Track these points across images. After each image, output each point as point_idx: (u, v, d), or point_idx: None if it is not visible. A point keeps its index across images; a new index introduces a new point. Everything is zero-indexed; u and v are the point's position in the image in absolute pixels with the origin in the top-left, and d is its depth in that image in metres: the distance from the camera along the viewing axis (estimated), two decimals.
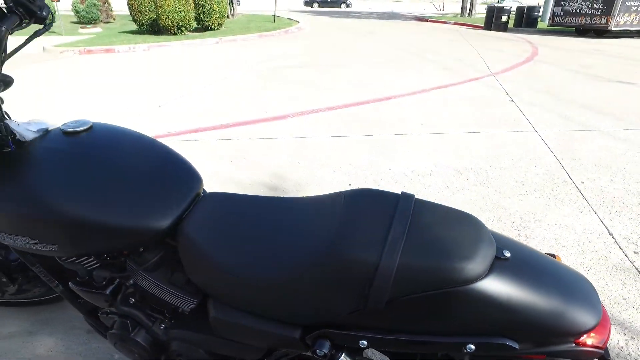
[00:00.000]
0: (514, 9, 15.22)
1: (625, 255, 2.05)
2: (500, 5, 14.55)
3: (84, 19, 16.56)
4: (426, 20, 19.86)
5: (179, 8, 11.52)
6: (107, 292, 1.02)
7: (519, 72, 6.61)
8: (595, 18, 11.86)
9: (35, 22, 1.08)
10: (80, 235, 0.91)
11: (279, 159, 3.24)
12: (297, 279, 0.82)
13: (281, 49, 9.59)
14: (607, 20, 11.51)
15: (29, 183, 0.93)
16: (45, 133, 1.08)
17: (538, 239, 2.19)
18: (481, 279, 0.74)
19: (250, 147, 3.49)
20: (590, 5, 11.96)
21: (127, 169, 1.00)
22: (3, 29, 1.00)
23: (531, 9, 15.37)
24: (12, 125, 1.03)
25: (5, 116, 1.06)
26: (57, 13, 15.73)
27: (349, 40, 11.40)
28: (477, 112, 4.42)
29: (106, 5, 17.55)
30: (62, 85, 6.03)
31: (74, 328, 1.65)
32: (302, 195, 2.55)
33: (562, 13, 12.94)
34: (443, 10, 31.37)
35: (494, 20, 14.42)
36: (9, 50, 1.06)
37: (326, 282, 0.79)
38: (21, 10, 1.04)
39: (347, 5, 33.03)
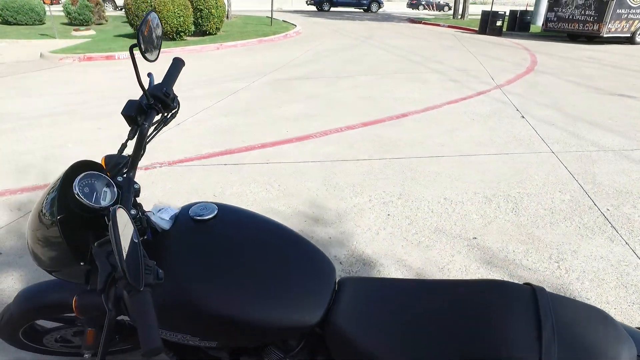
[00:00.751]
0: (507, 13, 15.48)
1: None
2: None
3: (76, 20, 16.30)
4: (420, 22, 20.03)
5: (178, 13, 11.46)
6: None
7: (524, 84, 6.79)
8: (587, 25, 12.15)
9: (166, 112, 1.16)
10: (239, 333, 0.98)
11: (312, 185, 3.33)
12: None
13: (284, 56, 9.63)
14: (599, 27, 11.80)
15: (182, 280, 0.99)
16: (175, 219, 1.14)
17: (578, 272, 2.32)
18: None
19: (280, 171, 3.56)
20: (582, 12, 12.25)
21: (268, 260, 1.07)
22: (146, 125, 1.07)
23: (524, 13, 15.67)
24: (150, 217, 1.10)
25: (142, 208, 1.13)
26: (47, 14, 15.52)
27: (349, 46, 11.48)
28: (492, 131, 4.55)
29: (98, 6, 17.30)
30: (76, 99, 6.00)
31: None
32: (345, 224, 2.64)
33: (555, 19, 13.21)
34: (434, 9, 31.60)
35: (488, 24, 14.65)
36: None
37: None
38: (159, 105, 1.11)
39: (450, 8, 33.63)
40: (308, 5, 28.38)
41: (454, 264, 2.40)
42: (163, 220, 1.10)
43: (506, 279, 2.26)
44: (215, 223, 1.12)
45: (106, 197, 0.99)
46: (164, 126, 1.17)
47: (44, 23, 16.80)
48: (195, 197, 3.17)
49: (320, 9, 26.74)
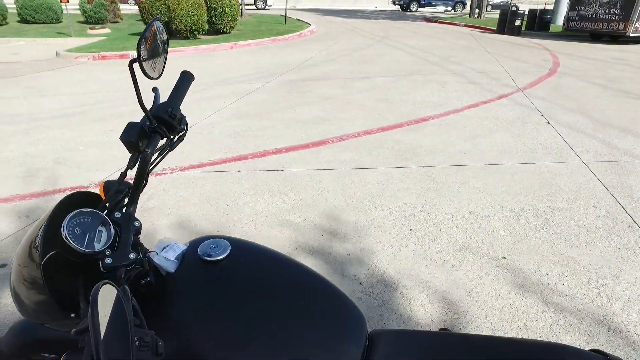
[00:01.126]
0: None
1: None
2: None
3: (91, 18, 16.40)
4: (435, 21, 19.70)
5: (192, 12, 11.39)
6: None
7: (547, 87, 6.52)
8: (612, 24, 11.74)
9: (172, 135, 1.01)
10: None
11: (329, 195, 3.17)
12: None
13: (298, 56, 9.48)
14: (624, 26, 11.39)
15: (188, 335, 0.85)
16: (182, 259, 0.99)
17: (622, 301, 2.13)
18: None
19: (296, 179, 3.42)
20: (607, 11, 11.84)
21: (289, 310, 0.92)
22: (149, 151, 0.93)
23: (544, 12, 15.25)
24: (154, 257, 0.95)
25: (144, 247, 0.98)
26: (64, 13, 15.61)
27: (364, 45, 11.28)
28: (517, 138, 4.34)
29: (113, 4, 17.37)
30: (89, 99, 5.94)
31: None
32: (365, 239, 2.48)
33: (577, 18, 12.82)
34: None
35: (507, 23, 14.29)
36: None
37: None
38: (164, 129, 0.96)
39: (517, 8, 32.63)
40: (395, 5, 27.27)
41: (482, 288, 2.23)
42: (168, 262, 0.95)
43: (541, 306, 2.08)
44: (228, 264, 0.97)
45: (101, 238, 0.85)
46: (169, 151, 1.03)
47: (61, 21, 16.94)
48: (208, 206, 3.04)
49: (407, 9, 25.78)
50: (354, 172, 3.55)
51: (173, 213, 2.96)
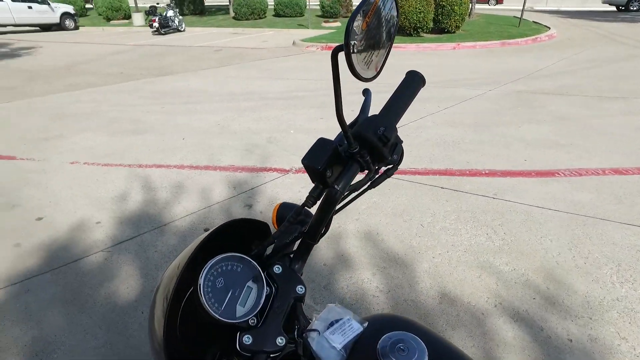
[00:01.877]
0: None
1: None
2: None
3: (327, 13, 18.12)
4: None
5: (419, 9, 11.19)
6: None
7: None
8: None
9: (377, 167, 0.67)
10: None
11: (551, 245, 2.45)
12: None
13: (530, 64, 8.23)
14: None
15: None
16: (350, 350, 0.64)
17: None
18: None
19: (509, 214, 2.78)
20: None
21: None
22: (339, 188, 0.60)
23: None
24: (312, 342, 0.63)
25: (304, 319, 0.66)
26: (306, 8, 17.65)
27: (622, 56, 9.06)
28: None
29: (347, 0, 18.74)
30: (309, 85, 6.38)
31: None
32: (600, 327, 1.70)
33: None
34: None
35: None
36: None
37: None
38: (367, 157, 0.62)
39: None
40: None
41: None
42: (332, 352, 0.62)
43: None
44: None
45: (247, 299, 0.60)
46: (368, 189, 0.69)
47: (303, 15, 19.28)
48: (400, 221, 2.73)
49: None
50: (592, 223, 2.68)
51: (362, 220, 2.76)
